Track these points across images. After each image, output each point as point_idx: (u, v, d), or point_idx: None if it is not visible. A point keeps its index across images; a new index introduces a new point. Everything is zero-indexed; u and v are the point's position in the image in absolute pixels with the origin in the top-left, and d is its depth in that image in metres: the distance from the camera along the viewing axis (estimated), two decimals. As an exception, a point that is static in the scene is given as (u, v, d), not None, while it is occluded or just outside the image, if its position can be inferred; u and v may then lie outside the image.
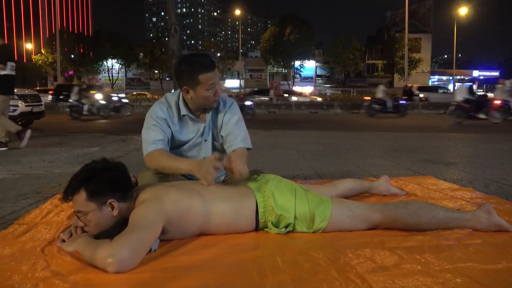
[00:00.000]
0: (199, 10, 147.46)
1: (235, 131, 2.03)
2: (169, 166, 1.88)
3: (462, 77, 52.32)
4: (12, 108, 8.62)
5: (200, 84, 1.92)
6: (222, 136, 2.09)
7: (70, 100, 14.03)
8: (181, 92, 2.02)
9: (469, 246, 1.54)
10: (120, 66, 45.96)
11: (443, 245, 1.56)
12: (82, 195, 1.51)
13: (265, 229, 1.76)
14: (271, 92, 24.35)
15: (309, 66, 47.32)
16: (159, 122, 1.98)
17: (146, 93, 30.49)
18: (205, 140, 2.09)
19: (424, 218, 1.73)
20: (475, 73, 52.92)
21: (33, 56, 46.08)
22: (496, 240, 1.62)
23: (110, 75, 45.43)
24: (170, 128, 2.01)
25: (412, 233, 1.71)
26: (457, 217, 1.76)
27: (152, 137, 1.95)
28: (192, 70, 1.92)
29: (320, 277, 1.30)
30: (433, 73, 53.66)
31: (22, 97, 8.94)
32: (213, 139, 2.12)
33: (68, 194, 1.53)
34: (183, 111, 2.01)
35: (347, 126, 10.55)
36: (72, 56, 43.11)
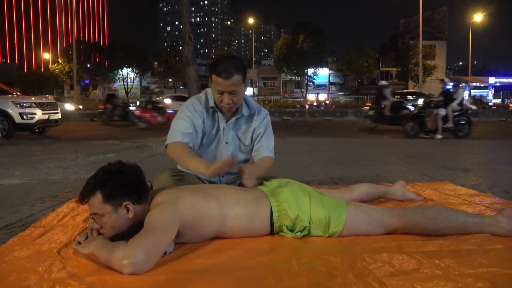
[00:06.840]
0: (213, 19, 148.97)
1: (265, 142, 2.14)
2: (184, 162, 1.92)
3: (478, 84, 51.56)
4: (29, 116, 8.81)
5: (212, 82, 1.97)
6: (249, 144, 2.15)
7: None
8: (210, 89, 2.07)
9: (490, 251, 1.51)
10: (135, 75, 46.50)
11: (463, 250, 1.52)
12: (98, 198, 1.52)
13: (280, 233, 1.74)
14: None
15: (323, 74, 47.12)
16: (193, 113, 2.01)
17: None
18: (226, 143, 2.11)
19: (443, 224, 1.69)
20: (491, 80, 52.06)
21: (50, 66, 46.96)
22: (518, 245, 1.57)
23: (125, 83, 45.98)
24: (204, 122, 2.04)
25: (431, 238, 1.67)
26: (477, 222, 1.71)
27: (181, 128, 1.98)
28: (212, 65, 1.96)
29: (337, 281, 1.27)
30: (448, 80, 52.94)
31: (40, 105, 9.10)
32: (237, 144, 2.14)
33: (84, 196, 1.54)
34: (211, 103, 2.06)
35: (359, 133, 10.46)
36: (88, 65, 43.79)
